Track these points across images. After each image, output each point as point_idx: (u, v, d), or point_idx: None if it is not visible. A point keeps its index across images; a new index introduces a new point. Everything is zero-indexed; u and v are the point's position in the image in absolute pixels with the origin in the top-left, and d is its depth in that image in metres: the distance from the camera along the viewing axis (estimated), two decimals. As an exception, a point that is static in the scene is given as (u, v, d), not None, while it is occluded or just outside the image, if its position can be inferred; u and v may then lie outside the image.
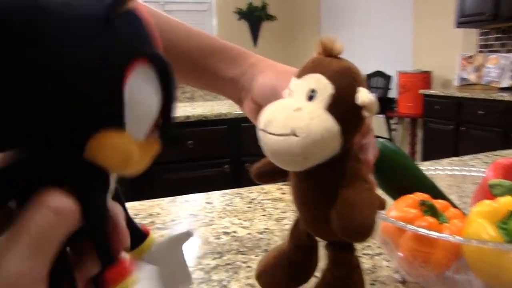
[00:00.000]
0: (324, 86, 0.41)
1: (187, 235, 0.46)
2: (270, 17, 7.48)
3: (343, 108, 0.40)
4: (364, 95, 0.40)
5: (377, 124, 5.47)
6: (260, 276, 0.52)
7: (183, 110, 2.79)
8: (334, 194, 0.42)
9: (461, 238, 0.45)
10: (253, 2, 7.32)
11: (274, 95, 0.54)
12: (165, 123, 0.30)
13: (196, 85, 0.72)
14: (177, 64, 0.68)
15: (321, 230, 0.47)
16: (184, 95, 3.32)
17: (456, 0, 4.22)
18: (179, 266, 0.46)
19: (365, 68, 5.70)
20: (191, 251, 0.67)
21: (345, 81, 0.41)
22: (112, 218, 0.32)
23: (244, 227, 0.76)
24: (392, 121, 5.31)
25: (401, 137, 5.40)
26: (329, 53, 0.44)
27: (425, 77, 4.64)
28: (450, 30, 4.53)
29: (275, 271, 0.52)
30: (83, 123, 0.25)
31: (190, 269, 0.60)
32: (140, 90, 0.27)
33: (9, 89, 0.23)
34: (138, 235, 0.42)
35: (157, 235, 0.71)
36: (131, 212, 0.81)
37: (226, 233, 0.73)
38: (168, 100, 0.29)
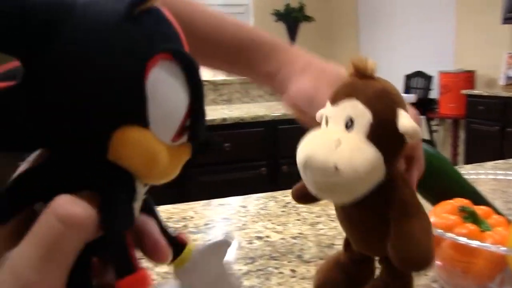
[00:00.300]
0: (361, 113, 0.39)
1: (226, 242, 0.45)
2: (308, 18, 7.43)
3: (384, 135, 0.38)
4: (405, 122, 0.38)
5: (417, 125, 5.36)
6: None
7: (220, 112, 2.80)
8: (383, 221, 0.40)
9: (505, 248, 0.43)
10: (290, 3, 7.30)
11: (310, 103, 0.54)
12: (194, 124, 0.29)
13: (231, 74, 0.73)
14: (209, 52, 0.68)
15: (372, 250, 0.46)
16: (221, 98, 3.33)
17: (502, -4, 4.10)
18: (222, 275, 0.45)
19: (405, 69, 5.61)
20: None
21: (383, 105, 0.39)
22: (141, 228, 0.32)
23: (277, 232, 0.74)
24: (433, 123, 5.20)
25: (442, 139, 5.28)
26: (362, 74, 0.41)
27: (468, 77, 4.52)
28: (495, 27, 4.40)
29: (333, 283, 0.51)
30: (103, 118, 0.24)
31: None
32: (164, 86, 0.26)
33: (31, 87, 0.23)
34: (176, 246, 0.41)
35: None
36: (164, 216, 0.81)
37: (259, 238, 0.72)
38: (195, 99, 0.28)
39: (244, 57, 0.64)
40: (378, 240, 0.41)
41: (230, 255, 0.66)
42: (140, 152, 0.26)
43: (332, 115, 0.41)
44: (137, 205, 0.29)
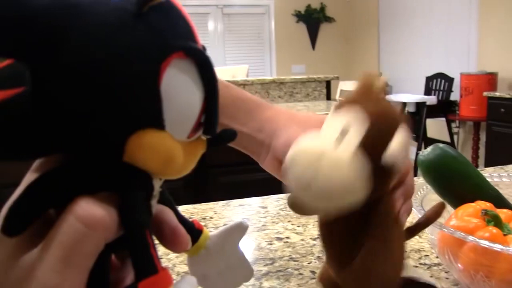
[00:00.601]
0: (358, 126, 0.37)
1: (241, 227, 0.45)
2: (329, 19, 7.42)
3: (375, 153, 0.36)
4: (393, 151, 0.36)
5: (438, 127, 5.30)
6: None
7: (240, 113, 2.79)
8: (360, 242, 0.38)
9: (528, 252, 0.42)
10: (311, 4, 7.29)
11: None
12: (209, 119, 0.29)
13: None
14: None
15: (340, 276, 0.43)
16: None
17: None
18: (237, 260, 0.45)
19: (426, 70, 5.56)
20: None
21: (380, 125, 0.37)
22: (159, 217, 0.32)
23: (297, 233, 0.74)
24: (453, 125, 5.14)
25: (462, 141, 5.21)
26: (370, 89, 0.40)
27: (490, 79, 4.46)
28: (517, 29, 4.35)
29: None
30: (119, 122, 0.24)
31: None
32: (179, 86, 0.26)
33: (42, 94, 0.22)
34: (192, 232, 0.41)
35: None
36: (184, 215, 0.82)
37: (279, 239, 0.72)
38: (210, 94, 0.28)
39: (226, 114, 0.59)
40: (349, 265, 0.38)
41: (246, 255, 0.66)
42: (157, 154, 0.26)
43: (330, 123, 0.40)
44: (155, 201, 0.30)
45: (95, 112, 0.23)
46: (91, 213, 0.24)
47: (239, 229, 0.45)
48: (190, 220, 0.41)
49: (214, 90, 0.28)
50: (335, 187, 0.35)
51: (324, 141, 0.38)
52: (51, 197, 0.25)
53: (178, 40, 0.26)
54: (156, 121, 0.25)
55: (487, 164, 4.21)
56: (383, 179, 0.38)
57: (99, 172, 0.25)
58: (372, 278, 0.35)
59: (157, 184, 0.29)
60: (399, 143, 0.37)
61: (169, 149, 0.26)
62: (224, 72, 4.35)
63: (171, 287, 0.27)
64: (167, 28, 0.25)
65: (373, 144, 0.36)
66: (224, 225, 0.79)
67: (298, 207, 0.47)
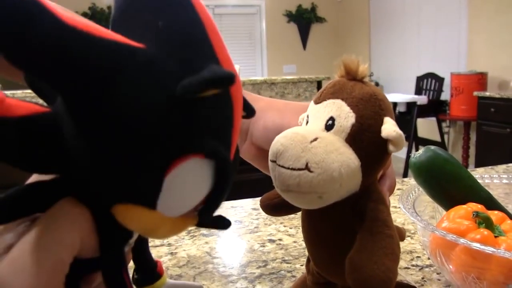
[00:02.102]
0: (345, 114, 0.36)
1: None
2: (320, 19, 7.43)
3: (365, 140, 0.36)
4: (390, 128, 0.35)
5: (429, 127, 5.33)
6: None
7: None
8: (353, 237, 0.37)
9: (519, 254, 0.43)
10: (302, 4, 7.30)
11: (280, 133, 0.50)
12: (208, 208, 0.28)
13: None
14: None
15: (332, 272, 0.43)
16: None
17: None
18: None
19: (416, 70, 5.58)
20: (236, 259, 0.66)
21: (369, 109, 0.36)
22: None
23: (289, 235, 0.74)
24: (444, 124, 5.17)
25: (453, 141, 5.24)
26: (353, 76, 0.39)
27: (480, 79, 4.48)
28: (508, 29, 4.37)
29: None
30: (112, 189, 0.24)
31: (234, 277, 0.60)
32: (186, 182, 0.25)
33: (67, 120, 0.23)
34: (152, 273, 0.42)
35: (169, 275, 0.71)
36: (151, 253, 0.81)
37: (272, 241, 0.72)
38: (218, 189, 0.27)
39: None
40: (342, 261, 0.36)
41: (238, 257, 0.66)
42: (139, 226, 0.26)
43: (314, 113, 0.39)
44: (133, 240, 0.30)
45: (98, 167, 0.24)
46: (72, 207, 0.26)
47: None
48: (155, 260, 0.43)
49: (224, 190, 0.28)
50: (336, 169, 0.34)
51: (314, 128, 0.37)
52: (37, 205, 0.26)
53: (204, 138, 0.25)
54: (149, 203, 0.25)
55: (477, 164, 4.24)
56: (372, 168, 0.37)
57: (87, 198, 0.26)
58: (367, 273, 0.33)
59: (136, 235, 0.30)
60: (392, 123, 0.36)
61: (153, 225, 0.26)
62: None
63: None
64: (200, 122, 0.24)
65: (362, 130, 0.36)
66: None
67: (275, 206, 0.47)
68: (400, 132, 0.35)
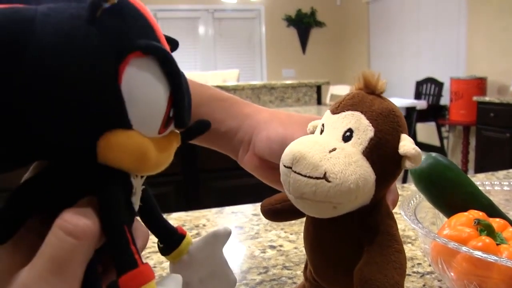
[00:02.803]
0: (364, 127, 0.36)
1: (224, 233, 0.45)
2: (319, 24, 7.46)
3: (382, 155, 0.36)
4: (409, 146, 0.35)
5: (428, 132, 5.33)
6: None
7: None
8: (358, 249, 0.37)
9: (521, 262, 0.43)
10: (302, 9, 7.32)
11: (283, 145, 0.47)
12: (178, 113, 0.29)
13: None
14: None
15: (328, 279, 0.42)
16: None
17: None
18: (219, 267, 0.45)
19: (416, 75, 5.59)
20: (237, 266, 0.66)
21: (387, 125, 0.37)
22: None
23: (290, 241, 0.74)
24: (443, 129, 5.17)
25: (452, 145, 5.25)
26: (372, 90, 0.39)
27: (480, 84, 4.49)
28: (507, 34, 4.38)
29: None
30: (84, 127, 0.24)
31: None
32: (140, 84, 0.26)
33: (5, 106, 0.23)
34: (174, 237, 0.41)
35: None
36: (177, 223, 0.82)
37: (272, 247, 0.72)
38: (175, 88, 0.28)
39: (202, 113, 0.56)
40: (345, 272, 0.37)
41: (239, 263, 0.66)
42: (128, 153, 0.26)
43: (331, 123, 0.38)
44: (136, 198, 0.30)
45: (59, 120, 0.24)
46: (79, 226, 0.25)
47: (223, 235, 0.44)
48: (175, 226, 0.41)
49: (179, 84, 0.28)
50: (354, 181, 0.34)
51: (331, 138, 0.37)
52: (32, 204, 0.26)
53: (135, 40, 0.26)
54: (122, 122, 0.26)
55: (477, 169, 4.24)
56: (385, 182, 0.38)
57: (76, 175, 0.26)
58: (376, 285, 0.34)
59: (136, 182, 0.30)
60: (410, 140, 0.36)
61: (139, 146, 0.27)
62: (214, 77, 4.35)
63: (152, 281, 0.27)
64: (123, 29, 0.25)
65: (379, 145, 0.36)
66: (217, 233, 0.79)
67: (276, 212, 0.47)
68: (419, 150, 0.36)
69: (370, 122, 0.36)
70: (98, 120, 0.25)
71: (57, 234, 0.24)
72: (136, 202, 0.30)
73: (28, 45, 0.23)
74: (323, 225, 0.41)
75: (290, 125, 0.51)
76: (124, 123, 0.26)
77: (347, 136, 0.37)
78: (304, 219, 0.45)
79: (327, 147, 0.35)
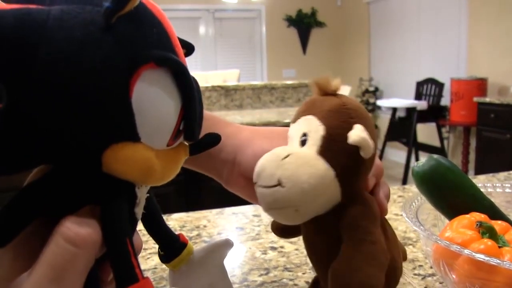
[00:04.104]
0: (315, 127, 0.37)
1: (226, 245, 0.44)
2: (320, 24, 7.45)
3: (337, 150, 0.36)
4: (353, 133, 0.36)
5: (428, 132, 5.33)
6: None
7: (232, 118, 2.80)
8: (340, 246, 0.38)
9: (523, 265, 0.42)
10: (302, 9, 7.31)
11: None
12: (188, 126, 0.28)
13: None
14: None
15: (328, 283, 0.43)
16: (233, 103, 3.34)
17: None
18: (219, 278, 0.44)
19: (416, 75, 5.59)
20: (238, 267, 0.66)
21: (338, 119, 0.37)
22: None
23: (291, 242, 0.74)
24: (444, 130, 5.17)
25: (453, 146, 5.24)
26: (324, 91, 0.40)
27: (480, 84, 4.49)
28: (508, 34, 4.38)
29: None
30: (91, 137, 0.24)
31: (235, 285, 0.59)
32: (152, 97, 0.25)
33: (16, 109, 0.22)
34: (175, 244, 0.41)
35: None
36: (177, 224, 0.81)
37: (273, 248, 0.72)
38: (187, 101, 0.28)
39: None
40: None
41: (240, 265, 0.66)
42: (133, 166, 0.26)
43: (291, 133, 0.40)
44: (139, 208, 0.30)
45: (66, 127, 0.23)
46: (77, 233, 0.24)
47: (225, 246, 0.44)
48: (176, 233, 0.41)
49: (192, 96, 0.28)
50: (305, 181, 0.35)
51: (290, 146, 0.39)
52: (34, 208, 0.25)
53: (149, 50, 0.25)
54: (131, 135, 0.25)
55: (477, 169, 4.24)
56: (349, 176, 0.38)
57: (80, 182, 0.25)
58: (345, 280, 0.34)
59: (140, 192, 0.29)
60: (359, 128, 0.36)
61: (146, 160, 0.26)
62: (215, 77, 4.35)
63: None
64: (138, 38, 0.25)
65: (331, 141, 0.37)
66: (218, 234, 0.79)
67: (283, 229, 0.47)
68: (364, 135, 0.36)
69: (321, 121, 0.37)
70: (105, 131, 0.24)
71: (58, 242, 0.24)
72: (139, 212, 0.30)
73: (39, 50, 0.22)
74: (312, 230, 0.42)
75: (274, 139, 0.50)
76: (132, 136, 0.25)
77: (303, 141, 0.38)
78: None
79: (281, 156, 0.37)
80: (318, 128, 0.37)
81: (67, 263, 0.24)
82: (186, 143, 0.31)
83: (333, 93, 0.40)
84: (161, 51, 0.26)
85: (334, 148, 0.36)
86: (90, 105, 0.23)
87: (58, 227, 0.24)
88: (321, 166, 0.36)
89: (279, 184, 0.35)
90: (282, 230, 0.49)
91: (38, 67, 0.22)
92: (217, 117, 0.57)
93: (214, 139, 0.35)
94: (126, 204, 0.27)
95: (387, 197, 0.45)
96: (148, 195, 0.31)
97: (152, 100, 0.25)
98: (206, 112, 0.57)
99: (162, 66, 0.25)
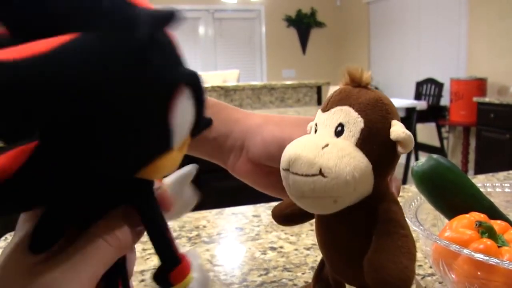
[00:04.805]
0: (353, 119, 0.37)
1: (190, 172, 0.44)
2: (319, 24, 7.45)
3: (375, 144, 0.37)
4: (398, 130, 0.36)
5: (428, 132, 5.33)
6: None
7: (231, 118, 2.80)
8: (368, 239, 0.38)
9: (523, 265, 0.42)
10: (302, 9, 7.31)
11: (282, 149, 0.46)
12: (197, 126, 0.31)
13: None
14: None
15: (350, 275, 0.44)
16: (233, 103, 3.32)
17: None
18: (189, 197, 0.45)
19: (416, 75, 5.59)
20: (237, 267, 0.66)
21: (376, 114, 0.37)
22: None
23: (290, 242, 0.74)
24: (443, 130, 5.17)
25: (452, 146, 5.24)
26: (357, 83, 0.40)
27: (480, 84, 4.49)
28: (508, 35, 4.38)
29: None
30: (136, 157, 0.25)
31: (235, 286, 0.59)
32: (183, 113, 0.27)
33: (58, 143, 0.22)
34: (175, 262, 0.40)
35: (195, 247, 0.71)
36: (177, 224, 0.81)
37: (273, 249, 0.72)
38: (200, 112, 0.30)
39: None
40: (358, 263, 0.38)
41: (240, 265, 0.66)
42: (166, 171, 0.29)
43: (322, 121, 0.40)
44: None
45: (115, 149, 0.24)
46: (119, 238, 0.28)
47: (190, 174, 0.44)
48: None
49: (202, 106, 0.30)
50: (349, 173, 0.35)
51: (324, 135, 0.38)
52: (72, 216, 0.27)
53: (177, 70, 0.26)
54: (168, 148, 0.27)
55: (477, 169, 4.24)
56: (383, 170, 0.38)
57: (114, 189, 0.28)
58: (386, 272, 0.34)
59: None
60: (400, 125, 0.37)
61: (175, 162, 0.29)
62: (215, 77, 4.35)
63: (190, 272, 0.32)
64: (166, 61, 0.25)
65: (371, 134, 0.37)
66: (218, 234, 0.79)
67: (287, 217, 0.48)
68: (409, 133, 0.37)
69: (359, 114, 0.37)
70: (150, 150, 0.26)
71: (100, 245, 0.27)
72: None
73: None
74: (333, 220, 0.41)
75: (285, 126, 0.51)
76: (169, 149, 0.27)
77: (339, 131, 0.38)
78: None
79: (319, 144, 0.36)
80: (357, 120, 0.37)
81: (106, 264, 0.27)
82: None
83: (365, 86, 0.40)
84: (183, 68, 0.27)
85: (373, 141, 0.37)
86: (133, 130, 0.24)
87: (99, 230, 0.27)
88: (363, 159, 0.36)
89: (320, 173, 0.35)
90: (285, 218, 0.48)
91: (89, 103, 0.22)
92: (225, 104, 0.57)
93: (206, 123, 0.35)
94: (155, 200, 0.30)
95: (398, 191, 0.46)
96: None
97: (183, 115, 0.27)
98: (211, 99, 0.56)
99: (190, 85, 0.27)
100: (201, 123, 0.35)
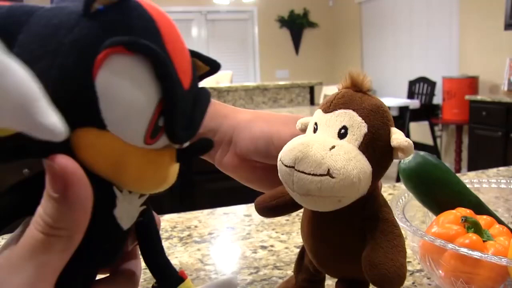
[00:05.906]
0: (357, 124, 0.38)
1: (231, 283, 0.42)
2: (312, 25, 7.47)
3: (375, 149, 0.38)
4: (401, 138, 0.38)
5: (421, 131, 5.35)
6: None
7: (224, 119, 2.80)
8: (360, 237, 0.40)
9: (507, 259, 0.43)
10: (294, 10, 7.33)
11: (269, 145, 0.47)
12: (169, 123, 0.27)
13: None
14: None
15: (333, 268, 0.45)
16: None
17: (506, 2, 4.10)
18: None
19: (408, 74, 5.61)
20: (227, 266, 0.67)
21: (378, 120, 0.39)
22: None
23: (281, 241, 0.75)
24: (436, 128, 5.19)
25: (445, 144, 5.27)
26: (359, 88, 0.41)
27: (472, 83, 4.52)
28: (499, 33, 4.40)
29: None
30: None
31: (226, 284, 0.60)
32: (121, 83, 0.24)
33: None
34: (171, 278, 0.37)
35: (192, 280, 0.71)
36: (168, 225, 0.82)
37: (263, 247, 0.72)
38: (167, 95, 0.26)
39: None
40: (349, 260, 0.41)
41: (230, 263, 0.66)
42: (101, 155, 0.25)
43: (324, 121, 0.40)
44: (122, 212, 0.29)
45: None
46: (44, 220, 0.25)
47: (229, 286, 0.42)
48: (178, 270, 0.38)
49: (172, 90, 0.26)
50: (356, 175, 0.36)
51: (328, 136, 0.39)
52: (23, 204, 0.26)
53: (125, 35, 0.24)
54: (94, 120, 0.24)
55: (470, 167, 4.26)
56: (380, 173, 0.40)
57: None
58: (385, 269, 0.37)
59: (122, 195, 0.28)
60: (401, 133, 0.39)
61: (113, 151, 0.25)
62: (207, 79, 4.34)
63: None
64: (116, 26, 0.24)
65: (373, 139, 0.38)
66: (209, 234, 0.79)
67: (271, 209, 0.48)
68: (411, 142, 0.38)
69: (363, 119, 0.39)
70: (69, 114, 0.23)
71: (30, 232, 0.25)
72: (125, 219, 0.29)
73: (21, 31, 0.24)
74: (325, 218, 0.42)
75: (274, 123, 0.51)
76: (97, 122, 0.24)
77: (343, 133, 0.39)
78: (294, 217, 0.46)
79: (327, 145, 0.37)
80: (361, 125, 0.38)
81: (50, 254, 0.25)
82: (174, 147, 0.29)
83: (366, 92, 0.41)
84: (139, 39, 0.25)
85: (374, 146, 0.38)
86: (54, 85, 0.23)
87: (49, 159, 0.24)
88: (366, 162, 0.37)
89: (328, 174, 0.36)
90: (270, 210, 0.48)
91: (14, 50, 0.23)
92: (212, 100, 0.56)
93: (206, 145, 0.33)
94: (104, 204, 0.27)
95: (380, 188, 0.47)
96: (143, 207, 0.31)
97: (121, 86, 0.24)
98: None
99: (135, 53, 0.24)
100: (201, 143, 0.32)
